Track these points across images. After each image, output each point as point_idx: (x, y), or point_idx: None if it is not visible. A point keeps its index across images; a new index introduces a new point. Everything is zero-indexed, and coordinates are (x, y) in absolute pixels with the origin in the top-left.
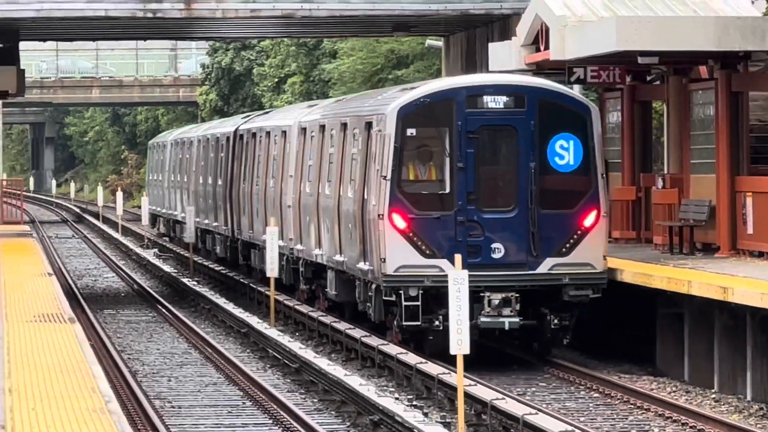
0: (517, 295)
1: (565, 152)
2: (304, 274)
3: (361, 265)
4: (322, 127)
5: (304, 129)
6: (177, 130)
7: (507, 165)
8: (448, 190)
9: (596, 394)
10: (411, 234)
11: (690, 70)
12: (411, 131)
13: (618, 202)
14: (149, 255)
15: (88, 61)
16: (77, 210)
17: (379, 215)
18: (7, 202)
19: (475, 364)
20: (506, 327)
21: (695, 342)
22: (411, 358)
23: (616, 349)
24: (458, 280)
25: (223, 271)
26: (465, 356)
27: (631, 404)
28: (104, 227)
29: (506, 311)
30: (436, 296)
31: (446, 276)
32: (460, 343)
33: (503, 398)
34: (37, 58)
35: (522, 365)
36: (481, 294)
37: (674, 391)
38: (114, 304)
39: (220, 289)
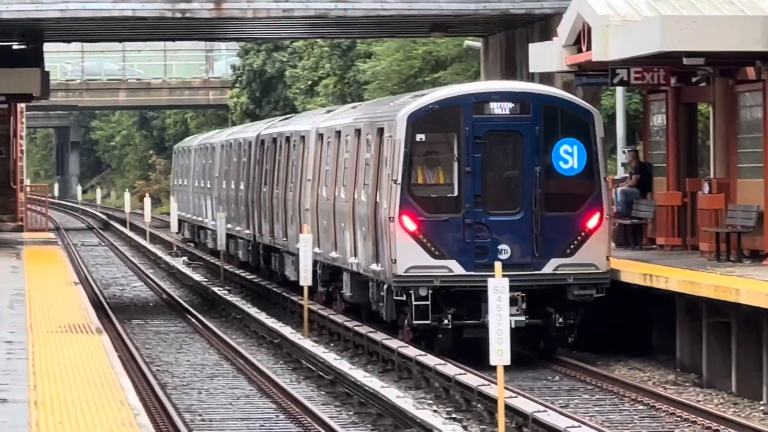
0: (523, 294)
1: (569, 156)
2: (321, 277)
3: (374, 266)
4: (338, 133)
5: (321, 134)
6: (201, 135)
7: (513, 169)
8: (456, 194)
9: (641, 406)
10: (421, 236)
11: (737, 71)
12: (420, 137)
13: (663, 207)
14: (178, 263)
15: (115, 63)
16: (103, 217)
17: (390, 218)
18: (31, 208)
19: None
20: (512, 325)
21: (743, 352)
22: (450, 369)
23: (661, 359)
24: (499, 288)
25: (255, 280)
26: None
27: (677, 416)
28: (132, 234)
29: (512, 310)
30: (445, 296)
31: (455, 276)
32: (500, 353)
33: (545, 410)
34: (62, 60)
35: (558, 373)
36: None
37: (721, 403)
38: (142, 314)
39: (252, 298)
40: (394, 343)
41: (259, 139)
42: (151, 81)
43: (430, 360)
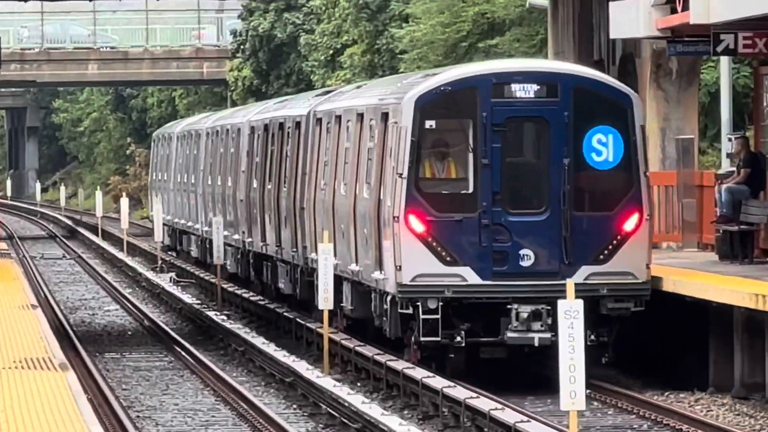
0: (549, 307)
1: (603, 147)
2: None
3: (376, 274)
4: (338, 118)
5: (320, 120)
6: (186, 120)
7: (537, 161)
8: (471, 190)
9: None
10: (430, 238)
11: None
12: (430, 123)
13: None
14: (164, 281)
15: (83, 27)
16: (69, 222)
17: (394, 217)
18: None
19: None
20: (536, 343)
21: None
22: (508, 416)
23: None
24: (571, 312)
25: (261, 302)
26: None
27: None
28: (105, 245)
29: (536, 326)
30: (458, 309)
31: (469, 286)
32: (573, 395)
33: None
34: (15, 24)
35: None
36: (509, 306)
37: None
38: (118, 346)
39: (257, 325)
40: (437, 382)
41: (248, 126)
42: (129, 50)
43: (483, 404)
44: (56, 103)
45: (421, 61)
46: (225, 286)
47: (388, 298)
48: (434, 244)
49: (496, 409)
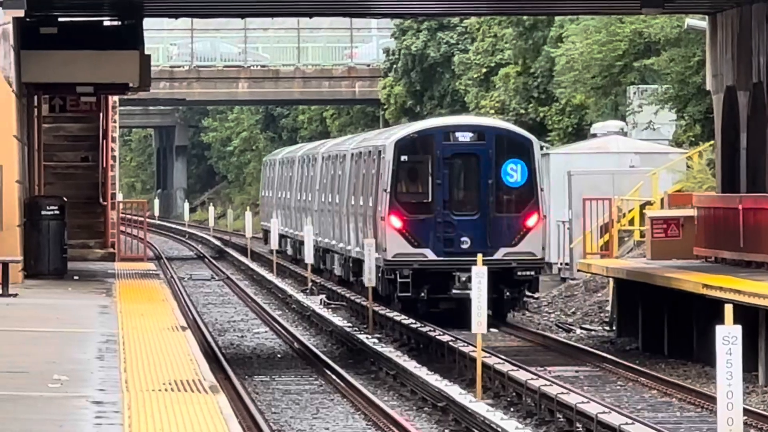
0: None
1: (514, 172)
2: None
3: (375, 254)
4: (360, 153)
5: (353, 154)
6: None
7: (472, 182)
8: (430, 200)
9: None
10: (404, 231)
11: None
12: (404, 157)
13: None
14: (314, 303)
15: (234, 45)
16: (217, 243)
17: (381, 218)
18: (125, 232)
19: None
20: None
21: None
22: None
23: None
24: (729, 338)
25: (413, 325)
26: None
27: None
28: (254, 266)
29: (471, 286)
30: (422, 275)
31: (429, 261)
32: (730, 422)
33: None
34: (165, 41)
35: None
36: (454, 273)
37: None
38: (267, 369)
39: (409, 349)
40: (591, 408)
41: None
42: (280, 68)
43: (637, 430)
44: (205, 122)
45: (578, 84)
46: (376, 308)
47: (380, 269)
48: (407, 234)
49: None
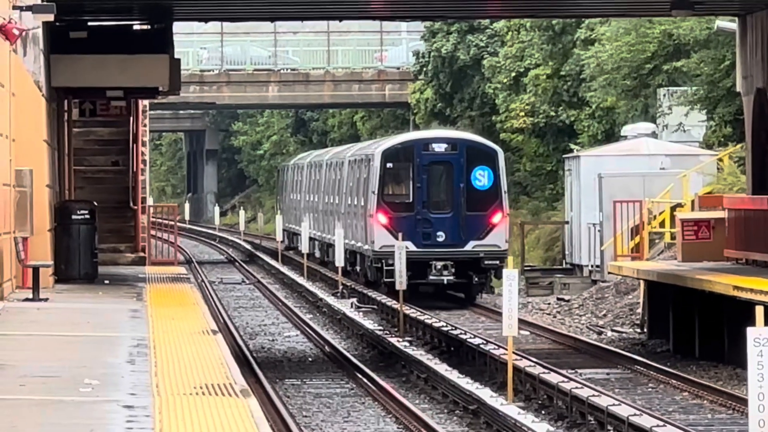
0: (452, 263)
1: (482, 177)
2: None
3: (364, 245)
4: (354, 161)
5: (352, 161)
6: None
7: (446, 185)
8: (411, 200)
9: None
10: (389, 226)
11: None
12: (389, 165)
13: None
14: (345, 306)
15: (264, 49)
16: (248, 247)
17: (370, 215)
18: (155, 236)
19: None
20: (445, 282)
21: None
22: None
23: None
24: (761, 340)
25: (444, 329)
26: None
27: None
28: (285, 269)
29: (445, 272)
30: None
31: (410, 252)
32: (762, 423)
33: None
34: (195, 45)
35: None
36: (431, 262)
37: None
38: (299, 372)
39: (440, 352)
40: (622, 410)
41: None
42: (310, 72)
43: None
44: (235, 126)
45: (610, 87)
46: (407, 311)
47: (369, 258)
48: (392, 229)
49: None
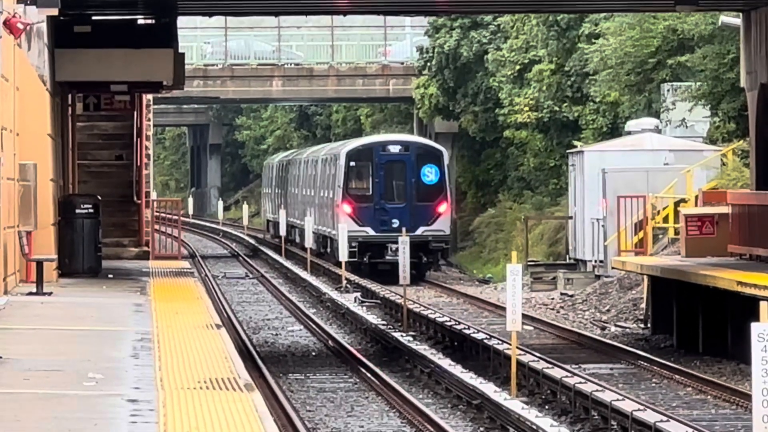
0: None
1: (430, 174)
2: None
3: (332, 231)
4: (324, 159)
5: (324, 160)
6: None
7: (400, 180)
8: (371, 193)
9: None
10: (352, 214)
11: None
12: (353, 163)
13: None
14: (348, 301)
15: (268, 44)
16: (252, 241)
17: (336, 205)
18: (159, 230)
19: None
20: (399, 261)
21: None
22: None
23: None
24: (764, 336)
25: (447, 323)
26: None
27: None
28: (288, 264)
29: (399, 254)
30: (365, 246)
31: (370, 236)
32: (765, 419)
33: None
34: (199, 39)
35: None
36: (387, 244)
37: None
38: (302, 367)
39: (443, 347)
40: (626, 405)
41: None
42: (314, 66)
43: (672, 428)
44: (239, 120)
45: (613, 82)
46: (411, 306)
47: (335, 242)
48: (354, 217)
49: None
